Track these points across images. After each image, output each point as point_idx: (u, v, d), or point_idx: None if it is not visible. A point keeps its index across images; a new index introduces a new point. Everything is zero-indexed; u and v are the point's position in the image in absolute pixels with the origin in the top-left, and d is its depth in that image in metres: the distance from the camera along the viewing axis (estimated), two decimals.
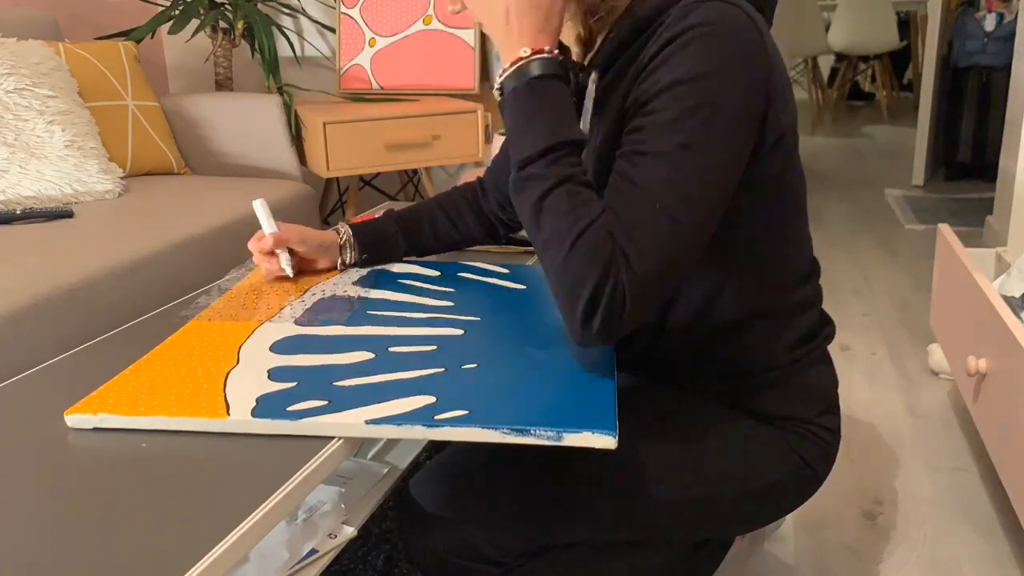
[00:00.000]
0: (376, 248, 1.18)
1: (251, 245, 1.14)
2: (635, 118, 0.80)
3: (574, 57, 0.92)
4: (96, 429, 0.82)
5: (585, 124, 0.91)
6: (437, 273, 1.19)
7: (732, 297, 0.92)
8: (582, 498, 0.91)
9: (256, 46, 2.46)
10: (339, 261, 1.17)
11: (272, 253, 1.13)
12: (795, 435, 0.95)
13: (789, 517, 1.44)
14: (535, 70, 0.81)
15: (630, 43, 0.85)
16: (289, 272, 1.14)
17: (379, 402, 0.82)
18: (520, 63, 0.82)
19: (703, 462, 0.92)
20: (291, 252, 1.14)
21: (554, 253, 0.77)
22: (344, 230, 1.17)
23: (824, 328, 1.00)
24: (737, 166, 0.80)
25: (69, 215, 1.71)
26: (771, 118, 0.83)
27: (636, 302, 0.75)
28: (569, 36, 0.91)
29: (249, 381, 0.87)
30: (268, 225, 1.14)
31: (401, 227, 1.18)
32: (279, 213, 2.00)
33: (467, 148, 2.44)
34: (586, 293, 0.75)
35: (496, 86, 0.85)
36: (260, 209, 1.15)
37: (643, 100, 0.79)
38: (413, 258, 1.26)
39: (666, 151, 0.77)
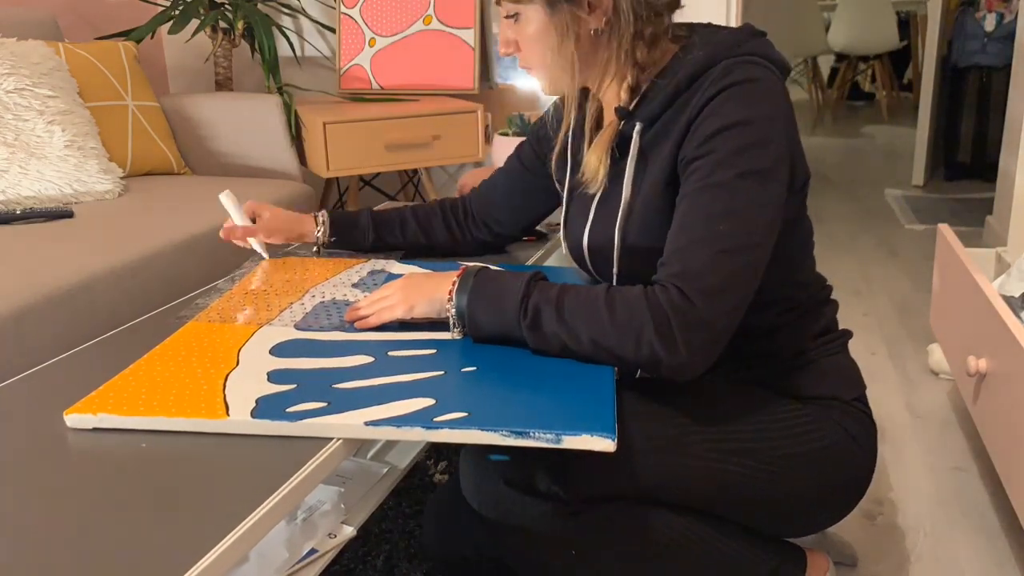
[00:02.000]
0: (346, 231, 1.30)
1: (222, 235, 1.28)
2: (690, 164, 0.90)
3: (621, 103, 1.00)
4: (96, 429, 0.82)
5: (629, 172, 0.98)
6: None
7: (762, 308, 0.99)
8: (657, 458, 0.93)
9: (256, 46, 2.46)
10: (315, 236, 1.30)
11: (243, 240, 1.29)
12: (838, 410, 1.03)
13: None
14: (466, 290, 0.94)
15: (675, 98, 0.94)
16: (264, 255, 1.31)
17: (378, 404, 0.82)
18: (451, 295, 0.95)
19: (764, 433, 0.98)
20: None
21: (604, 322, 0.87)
22: (322, 213, 1.31)
23: (842, 330, 1.11)
24: (783, 200, 0.91)
25: (69, 215, 1.71)
26: (797, 164, 0.96)
27: (712, 328, 0.86)
28: (616, 87, 1.00)
29: (249, 382, 0.87)
30: (238, 218, 1.27)
31: (373, 219, 1.30)
32: None
33: (467, 148, 2.44)
34: (649, 332, 0.85)
35: (455, 321, 0.96)
36: (227, 201, 1.27)
37: (696, 145, 0.90)
38: (410, 259, 1.26)
39: (724, 182, 0.87)
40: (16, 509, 0.70)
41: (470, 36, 2.60)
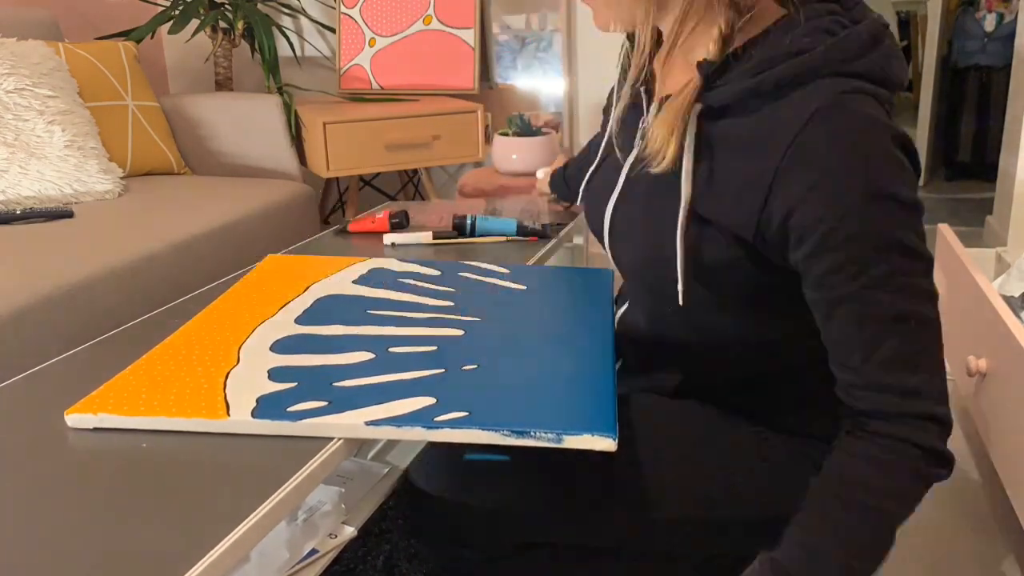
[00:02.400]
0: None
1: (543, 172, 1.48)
2: (812, 259, 0.71)
3: (707, 55, 0.75)
4: (96, 429, 0.82)
5: (687, 165, 0.77)
6: (438, 272, 1.18)
7: (785, 345, 0.87)
8: (593, 501, 0.89)
9: (256, 46, 2.46)
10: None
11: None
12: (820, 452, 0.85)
13: None
14: None
15: (753, 96, 0.73)
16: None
17: (379, 403, 0.82)
18: None
19: (731, 480, 0.87)
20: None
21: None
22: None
23: None
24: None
25: (69, 215, 1.71)
26: None
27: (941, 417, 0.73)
28: (699, 37, 0.76)
29: (249, 381, 0.87)
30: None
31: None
32: (279, 213, 2.01)
33: (467, 148, 2.44)
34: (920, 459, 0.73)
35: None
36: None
37: (807, 228, 0.69)
38: (412, 257, 1.26)
39: (878, 283, 0.69)
40: (16, 509, 0.70)
41: (470, 36, 2.60)
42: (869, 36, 0.73)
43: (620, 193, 0.88)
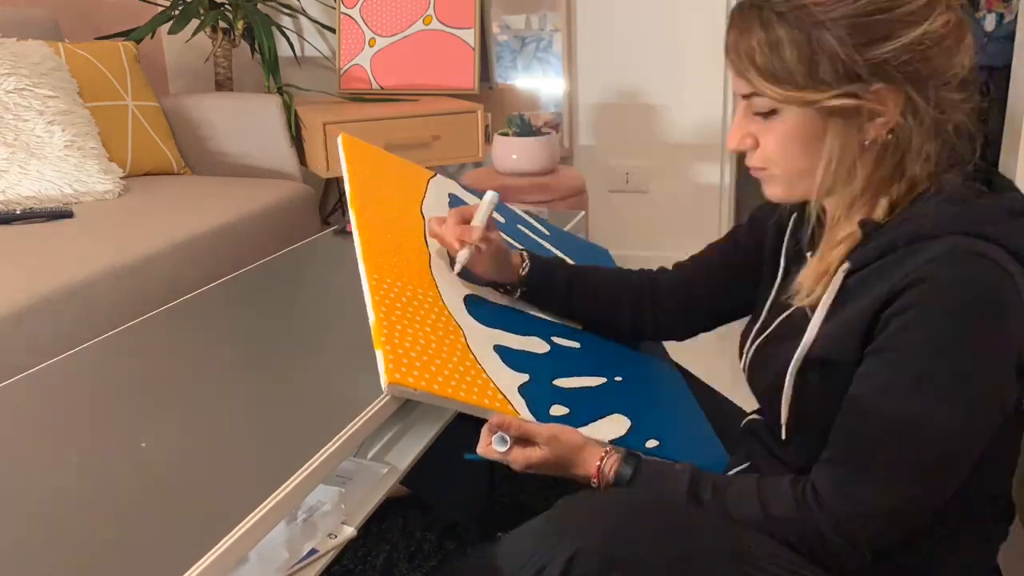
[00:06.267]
0: (541, 285, 1.12)
1: (450, 221, 1.06)
2: (877, 370, 0.77)
3: (871, 215, 0.83)
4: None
5: (821, 311, 0.82)
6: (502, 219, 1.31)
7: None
8: None
9: (256, 46, 2.46)
10: (519, 274, 1.11)
11: (462, 243, 1.06)
12: None
13: None
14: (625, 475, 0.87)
15: (891, 251, 0.78)
16: (458, 268, 1.07)
17: (595, 420, 0.94)
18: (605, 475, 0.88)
19: None
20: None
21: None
22: (525, 253, 1.12)
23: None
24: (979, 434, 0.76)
25: (69, 215, 1.71)
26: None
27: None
28: (865, 207, 0.83)
29: (494, 365, 0.95)
30: (481, 219, 1.06)
31: (569, 279, 1.13)
32: (279, 213, 2.01)
33: (467, 148, 2.44)
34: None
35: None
36: (489, 203, 1.07)
37: (886, 337, 0.76)
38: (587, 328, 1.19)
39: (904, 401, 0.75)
40: (16, 509, 0.70)
41: (470, 36, 2.60)
42: (1010, 206, 0.77)
43: (761, 325, 0.94)
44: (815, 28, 0.75)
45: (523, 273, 1.10)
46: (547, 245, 1.29)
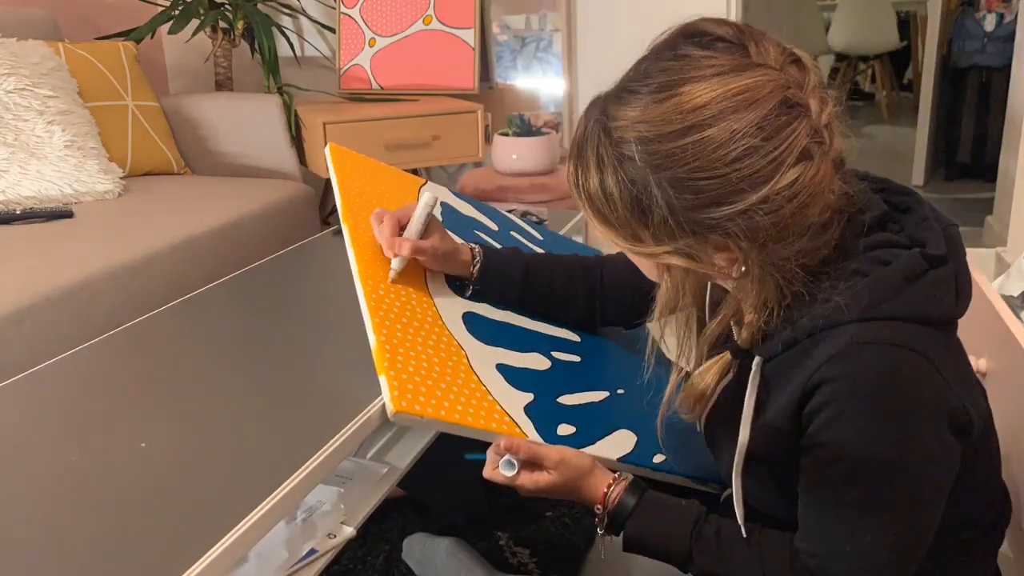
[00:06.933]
0: (494, 276, 1.10)
1: (385, 229, 1.03)
2: (815, 466, 0.77)
3: (738, 339, 0.83)
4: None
5: (748, 411, 0.81)
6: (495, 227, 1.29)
7: None
8: None
9: (256, 46, 2.46)
10: (470, 271, 1.09)
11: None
12: None
13: None
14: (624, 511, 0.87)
15: (794, 344, 0.77)
16: (392, 277, 1.03)
17: (604, 436, 0.94)
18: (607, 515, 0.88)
19: None
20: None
21: None
22: (477, 247, 1.10)
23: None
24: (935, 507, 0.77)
25: (69, 215, 1.71)
26: (967, 427, 0.78)
27: None
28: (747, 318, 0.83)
29: (497, 384, 0.94)
30: (415, 230, 1.03)
31: (526, 269, 1.11)
32: (279, 213, 2.01)
33: (467, 148, 2.44)
34: None
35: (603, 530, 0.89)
36: (423, 208, 1.04)
37: (818, 446, 0.75)
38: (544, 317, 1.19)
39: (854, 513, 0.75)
40: (16, 509, 0.70)
41: (470, 36, 2.60)
42: (901, 277, 0.74)
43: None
44: (646, 187, 0.72)
45: (474, 272, 1.08)
46: (539, 251, 1.29)
